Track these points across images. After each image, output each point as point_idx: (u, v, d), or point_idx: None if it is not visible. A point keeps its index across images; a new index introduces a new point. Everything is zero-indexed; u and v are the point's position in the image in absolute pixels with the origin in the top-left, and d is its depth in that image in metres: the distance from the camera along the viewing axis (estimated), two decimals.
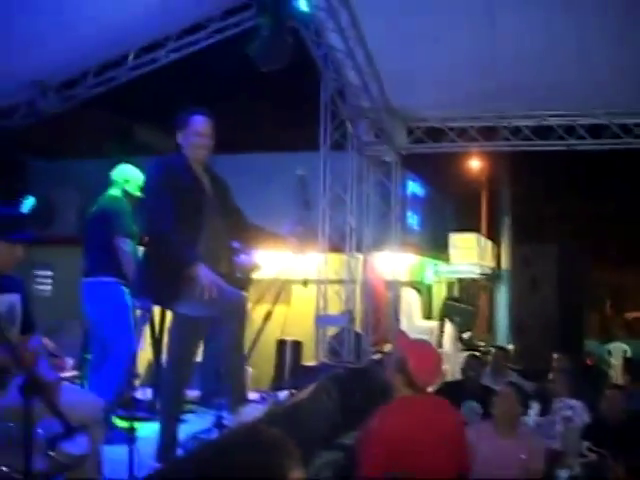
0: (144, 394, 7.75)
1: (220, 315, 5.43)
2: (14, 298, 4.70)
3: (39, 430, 3.99)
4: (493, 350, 11.98)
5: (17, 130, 10.90)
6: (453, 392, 9.21)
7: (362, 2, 8.56)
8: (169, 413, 5.86)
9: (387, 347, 11.50)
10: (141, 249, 6.84)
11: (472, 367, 9.52)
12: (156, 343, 6.60)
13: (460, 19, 8.81)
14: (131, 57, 10.19)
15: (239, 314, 5.44)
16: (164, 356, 6.42)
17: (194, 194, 5.56)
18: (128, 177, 7.24)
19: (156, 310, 7.02)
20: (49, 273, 13.07)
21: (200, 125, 5.73)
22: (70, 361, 11.39)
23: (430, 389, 5.05)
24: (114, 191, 7.24)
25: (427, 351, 5.05)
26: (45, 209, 12.01)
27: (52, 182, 14.02)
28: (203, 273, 5.26)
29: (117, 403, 6.45)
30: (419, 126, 11.16)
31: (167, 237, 5.36)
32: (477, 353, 13.90)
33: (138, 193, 7.05)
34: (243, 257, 6.10)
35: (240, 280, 6.19)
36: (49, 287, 13.18)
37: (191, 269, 5.26)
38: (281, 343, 10.86)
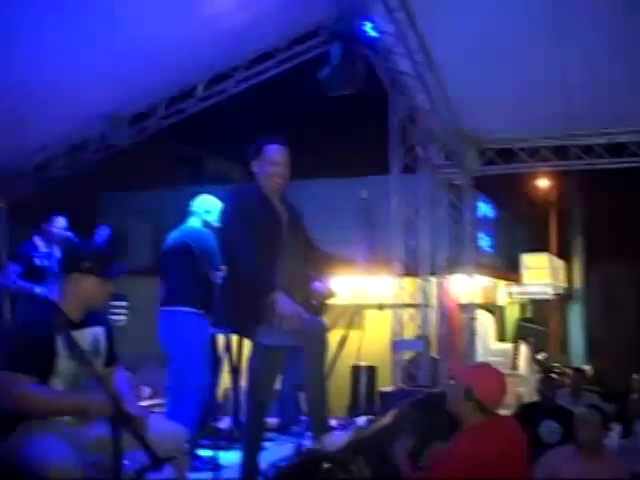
0: (223, 423, 7.76)
1: (301, 344, 5.38)
2: (98, 331, 4.72)
3: (126, 462, 4.00)
4: (570, 372, 11.74)
5: (90, 163, 11.10)
6: (530, 413, 9.13)
7: (430, 26, 8.54)
8: (250, 442, 5.83)
9: None
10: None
11: (548, 387, 9.40)
12: (234, 372, 6.57)
13: (529, 39, 8.74)
14: (200, 88, 10.34)
15: (320, 342, 5.40)
16: (242, 385, 6.42)
17: (271, 223, 5.54)
18: (209, 208, 7.19)
19: (234, 339, 7.00)
20: (124, 304, 13.17)
21: (276, 154, 5.65)
22: (147, 390, 11.52)
23: (504, 411, 5.00)
24: (194, 222, 7.20)
25: (489, 373, 4.99)
26: (119, 240, 12.14)
27: (123, 213, 14.20)
28: (283, 302, 5.24)
29: (200, 433, 6.46)
30: (490, 147, 11.11)
31: (246, 267, 5.34)
32: (552, 374, 13.75)
33: (217, 224, 7.10)
34: (318, 284, 6.07)
35: (315, 307, 6.18)
36: (124, 317, 13.28)
37: (271, 299, 5.24)
38: (356, 369, 10.83)
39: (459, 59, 9.15)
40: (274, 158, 5.64)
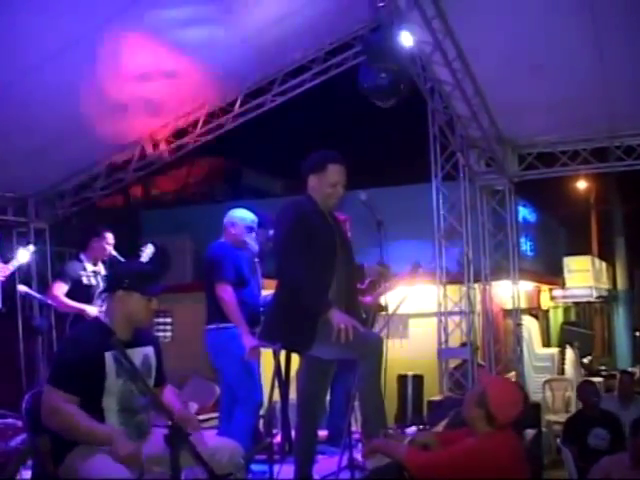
0: (273, 436, 7.76)
1: (356, 357, 5.37)
2: (148, 351, 4.77)
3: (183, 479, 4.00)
4: (618, 375, 11.62)
5: (131, 181, 11.22)
6: (577, 424, 9.09)
7: (467, 33, 8.51)
8: (303, 455, 5.82)
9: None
10: (267, 293, 6.89)
11: (589, 393, 9.33)
12: (282, 386, 6.58)
13: (567, 41, 8.68)
14: (237, 104, 10.40)
15: (378, 354, 5.35)
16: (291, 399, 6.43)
17: (327, 238, 5.52)
18: (233, 220, 7.21)
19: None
20: (169, 320, 13.26)
21: (338, 175, 5.60)
22: (195, 406, 11.54)
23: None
24: (223, 236, 7.25)
25: (507, 386, 4.96)
26: (162, 256, 12.21)
27: (164, 230, 14.29)
28: (338, 316, 5.24)
29: (254, 448, 6.47)
30: (530, 152, 11.07)
31: (300, 282, 5.33)
32: (592, 379, 13.63)
33: (244, 237, 7.15)
34: (368, 298, 6.08)
35: (366, 320, 6.18)
36: (169, 333, 13.37)
37: (326, 313, 5.24)
38: (402, 378, 10.76)
39: (497, 65, 9.11)
40: (336, 179, 5.60)
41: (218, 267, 6.89)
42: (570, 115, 10.10)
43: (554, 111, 10.02)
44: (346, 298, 5.61)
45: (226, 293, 6.79)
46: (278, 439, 6.88)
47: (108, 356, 4.43)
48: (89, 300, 8.42)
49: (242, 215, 7.24)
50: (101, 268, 8.72)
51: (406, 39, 7.93)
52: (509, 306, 12.07)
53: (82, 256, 8.68)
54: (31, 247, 8.86)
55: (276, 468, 5.00)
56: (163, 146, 10.68)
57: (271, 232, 7.14)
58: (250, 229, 7.21)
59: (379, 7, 7.92)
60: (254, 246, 7.28)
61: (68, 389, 4.30)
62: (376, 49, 7.91)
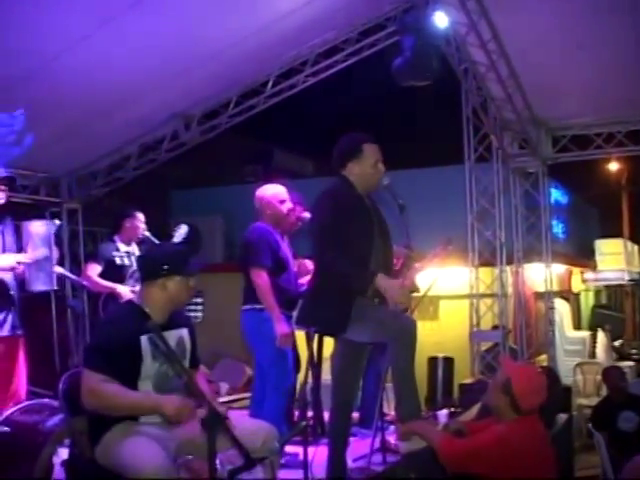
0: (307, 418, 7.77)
1: (389, 339, 5.37)
2: (183, 333, 4.79)
3: (218, 464, 4.01)
4: None
5: (162, 162, 11.22)
6: (605, 410, 9.06)
7: (503, 14, 8.45)
8: (337, 439, 5.84)
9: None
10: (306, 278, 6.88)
11: (615, 378, 9.28)
12: (315, 368, 6.59)
13: (604, 24, 8.59)
14: (270, 84, 10.36)
15: (412, 337, 5.35)
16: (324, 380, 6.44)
17: (364, 223, 5.53)
18: (267, 199, 7.08)
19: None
20: (200, 300, 13.28)
21: (376, 153, 5.64)
22: (225, 386, 11.62)
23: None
24: (261, 219, 7.12)
25: (532, 373, 4.97)
26: (195, 236, 12.24)
27: (195, 210, 14.31)
28: (387, 282, 5.29)
29: (289, 431, 6.47)
30: (564, 135, 10.97)
31: (341, 266, 5.34)
32: (623, 363, 13.56)
33: (283, 212, 7.06)
34: (402, 280, 6.06)
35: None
36: (200, 314, 13.40)
37: (374, 283, 5.28)
38: (432, 360, 10.76)
39: (532, 46, 9.03)
40: (375, 158, 5.63)
41: (254, 251, 6.81)
42: (605, 97, 10.01)
43: (589, 93, 9.96)
44: None
45: (260, 278, 6.71)
46: (311, 421, 6.90)
47: (144, 340, 4.46)
48: (122, 280, 8.48)
49: (273, 191, 7.13)
50: (134, 248, 8.77)
51: (441, 19, 7.90)
52: (541, 289, 12.02)
53: (115, 237, 8.73)
54: (56, 221, 8.87)
55: (310, 450, 4.98)
56: (195, 126, 10.67)
57: (305, 214, 7.16)
58: (283, 201, 7.08)
59: None
60: (305, 215, 7.16)
61: (106, 372, 4.33)
62: (411, 29, 7.88)
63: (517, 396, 4.59)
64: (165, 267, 4.59)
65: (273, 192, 7.10)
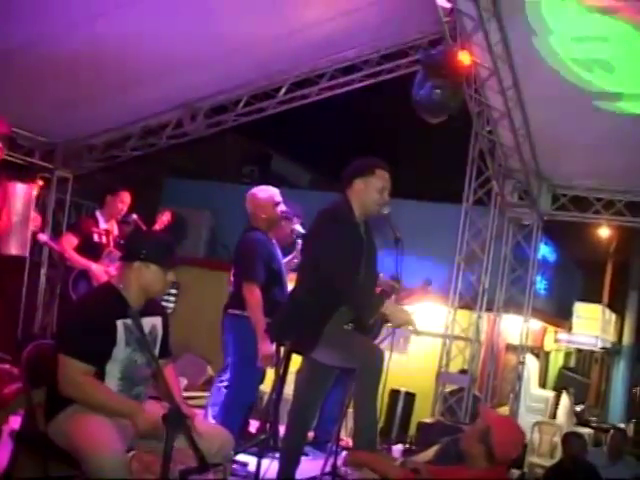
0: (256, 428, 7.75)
1: (357, 367, 5.36)
2: (156, 321, 4.76)
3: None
4: (611, 430, 11.51)
5: (162, 148, 11.21)
6: (557, 475, 8.91)
7: (526, 62, 8.48)
8: (290, 456, 5.82)
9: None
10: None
11: (577, 447, 9.03)
12: (280, 383, 6.59)
13: None
14: (283, 91, 10.39)
15: (378, 369, 5.35)
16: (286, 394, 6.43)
17: (354, 254, 5.50)
18: (259, 201, 6.99)
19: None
20: (174, 291, 13.26)
21: (386, 181, 5.63)
22: (184, 381, 11.57)
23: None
24: (253, 223, 7.03)
25: (513, 426, 4.97)
26: (179, 226, 12.22)
27: (185, 201, 14.28)
28: (393, 306, 5.44)
29: (245, 442, 6.46)
30: (565, 193, 11.03)
31: (326, 283, 5.33)
32: (581, 429, 13.56)
33: (277, 215, 7.01)
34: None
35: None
36: (172, 305, 13.37)
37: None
38: (394, 393, 10.75)
39: (550, 100, 9.06)
40: (384, 184, 5.62)
41: (248, 264, 6.76)
42: (611, 162, 10.06)
43: (597, 156, 10.00)
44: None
45: (252, 294, 6.64)
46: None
47: (119, 324, 4.44)
48: (97, 258, 8.44)
49: (268, 193, 7.04)
50: (114, 227, 8.73)
51: (465, 59, 7.92)
52: (514, 341, 12.05)
53: (97, 213, 8.71)
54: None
55: (264, 463, 4.98)
56: (201, 118, 10.67)
57: (299, 227, 7.14)
58: (278, 204, 7.01)
59: (444, 22, 7.93)
60: (298, 229, 7.15)
61: (83, 357, 4.30)
62: (435, 63, 7.90)
63: (495, 446, 4.59)
64: (143, 252, 4.55)
65: (268, 194, 7.04)
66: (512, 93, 8.72)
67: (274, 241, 7.08)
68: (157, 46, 8.64)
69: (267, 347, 6.53)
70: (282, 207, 7.03)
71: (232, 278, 7.08)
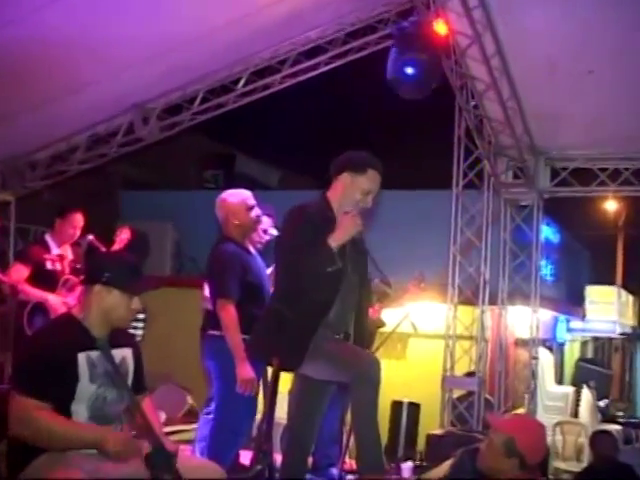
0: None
1: (349, 381, 5.37)
2: (126, 354, 4.74)
3: None
4: None
5: (113, 157, 11.13)
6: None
7: (510, 29, 8.49)
8: None
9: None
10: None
11: (608, 447, 9.01)
12: (270, 407, 6.57)
13: (620, 51, 8.67)
14: (242, 82, 10.32)
15: (373, 381, 5.32)
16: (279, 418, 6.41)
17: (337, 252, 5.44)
18: (231, 206, 6.95)
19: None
20: (142, 316, 13.16)
21: (375, 183, 5.59)
22: (163, 415, 11.51)
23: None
24: (224, 231, 7.01)
25: (533, 425, 5.06)
26: (140, 244, 12.15)
27: (146, 215, 14.22)
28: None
29: (233, 472, 6.43)
30: (565, 167, 11.02)
31: (304, 295, 5.37)
32: (608, 426, 13.59)
33: (251, 221, 6.98)
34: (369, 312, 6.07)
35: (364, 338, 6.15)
36: (141, 332, 13.27)
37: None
38: (396, 405, 10.74)
39: (539, 67, 9.10)
40: (371, 187, 5.58)
41: (219, 280, 6.74)
42: (614, 129, 10.09)
43: (596, 123, 10.03)
44: (354, 320, 5.66)
45: (226, 312, 6.60)
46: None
47: (81, 357, 4.40)
48: (53, 288, 8.37)
49: (240, 197, 7.02)
50: (68, 252, 8.66)
51: (441, 28, 7.92)
52: (523, 335, 12.07)
53: (47, 237, 8.65)
54: None
55: None
56: (154, 121, 10.59)
57: (272, 229, 7.13)
58: (252, 208, 6.97)
59: None
60: (272, 231, 7.15)
61: (39, 396, 4.24)
62: (408, 36, 7.90)
63: (525, 454, 4.62)
64: (106, 275, 4.52)
65: (239, 198, 7.01)
66: (497, 61, 8.74)
67: (252, 250, 7.06)
68: (97, 45, 8.57)
69: (245, 370, 6.50)
70: (257, 211, 7.01)
71: (207, 295, 7.05)
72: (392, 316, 7.60)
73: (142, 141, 10.84)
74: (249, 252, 7.00)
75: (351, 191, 5.57)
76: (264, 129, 17.33)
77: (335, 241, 5.28)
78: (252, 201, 7.01)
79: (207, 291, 7.05)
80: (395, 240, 11.73)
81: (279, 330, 5.45)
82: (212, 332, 6.82)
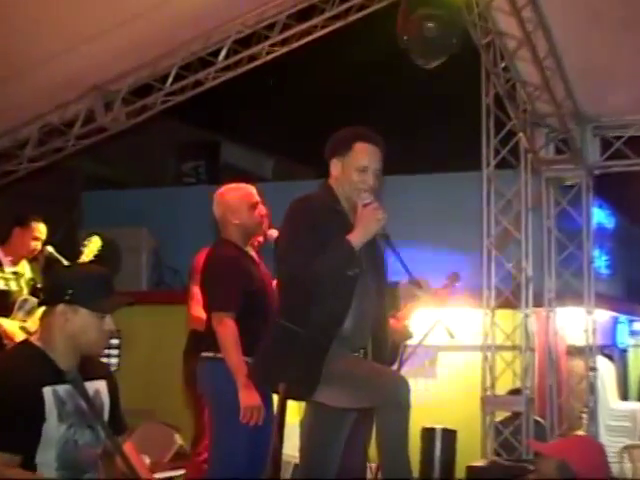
0: None
1: (373, 406, 5.36)
2: (99, 386, 4.74)
3: None
4: None
5: (71, 152, 11.11)
6: None
7: None
8: None
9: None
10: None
11: None
12: (280, 440, 6.56)
13: None
14: (223, 53, 10.29)
15: (401, 405, 5.29)
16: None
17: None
18: (230, 203, 6.96)
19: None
20: (116, 342, 13.15)
21: (367, 156, 5.59)
22: (147, 459, 11.52)
23: None
24: (223, 233, 7.01)
25: (587, 447, 5.04)
26: (111, 254, 12.16)
27: (115, 218, 14.22)
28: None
29: None
30: (618, 136, 10.98)
31: (311, 310, 5.37)
32: None
33: (255, 220, 6.97)
34: (392, 322, 6.06)
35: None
36: (115, 360, 13.26)
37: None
38: (428, 432, 10.70)
39: (581, 18, 9.04)
40: (364, 162, 5.59)
41: (216, 290, 6.72)
42: None
43: None
44: (373, 332, 5.65)
45: (224, 328, 6.54)
46: None
47: (47, 393, 4.39)
48: (7, 312, 8.39)
49: (240, 193, 7.03)
50: (25, 269, 8.68)
51: None
52: (577, 342, 12.04)
53: None
54: None
55: None
56: (119, 106, 10.57)
57: (271, 231, 7.12)
58: (255, 206, 6.98)
59: None
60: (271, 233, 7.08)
61: (5, 446, 4.24)
62: None
63: (583, 475, 4.62)
64: (69, 292, 4.51)
65: (241, 193, 7.02)
66: (529, 12, 8.69)
67: (254, 255, 7.07)
68: (42, 16, 8.56)
69: (250, 396, 6.42)
70: (261, 209, 7.02)
71: (194, 313, 7.06)
72: (419, 324, 7.60)
73: (105, 131, 10.82)
74: (252, 258, 7.00)
75: (345, 176, 5.60)
76: (253, 110, 17.27)
77: (356, 239, 5.31)
78: (256, 197, 7.01)
79: (195, 309, 7.05)
80: (414, 233, 11.70)
81: (286, 351, 5.46)
82: (206, 354, 6.76)
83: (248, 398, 6.42)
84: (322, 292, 5.34)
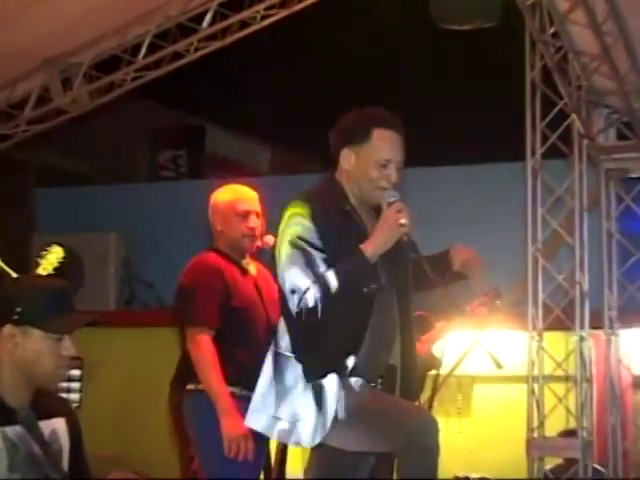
0: None
1: (396, 450, 5.39)
2: (57, 425, 4.72)
3: None
4: None
5: (20, 139, 11.10)
6: None
7: None
8: None
9: None
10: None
11: None
12: None
13: None
14: (207, 19, 10.28)
15: (428, 448, 5.32)
16: None
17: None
18: (215, 207, 7.17)
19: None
20: (77, 373, 13.13)
21: (390, 148, 5.59)
22: None
23: None
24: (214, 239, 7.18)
25: None
26: (72, 266, 12.12)
27: (76, 221, 14.23)
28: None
29: None
30: None
31: (317, 330, 5.40)
32: None
33: (237, 232, 7.05)
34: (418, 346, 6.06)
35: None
36: (77, 396, 13.25)
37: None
38: None
39: None
40: (386, 154, 5.58)
41: (190, 303, 6.85)
42: None
43: None
44: (389, 349, 5.66)
45: (198, 346, 6.71)
46: None
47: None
48: None
49: (227, 195, 7.17)
50: None
51: None
52: None
53: None
54: None
55: None
56: (79, 83, 10.56)
57: (267, 238, 7.11)
58: (245, 214, 7.06)
59: None
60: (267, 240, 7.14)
61: None
62: None
63: None
64: (17, 310, 4.51)
65: (228, 199, 7.16)
66: None
67: (251, 267, 7.19)
68: None
69: (233, 424, 6.58)
70: (253, 222, 7.10)
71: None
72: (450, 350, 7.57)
73: (64, 114, 10.81)
74: (243, 270, 7.11)
75: (361, 170, 5.58)
76: (244, 89, 17.26)
77: (372, 248, 5.28)
78: (245, 206, 7.10)
79: None
80: (441, 239, 11.66)
81: (284, 386, 5.50)
82: (190, 386, 6.90)
83: (231, 426, 6.60)
84: (331, 314, 5.29)
